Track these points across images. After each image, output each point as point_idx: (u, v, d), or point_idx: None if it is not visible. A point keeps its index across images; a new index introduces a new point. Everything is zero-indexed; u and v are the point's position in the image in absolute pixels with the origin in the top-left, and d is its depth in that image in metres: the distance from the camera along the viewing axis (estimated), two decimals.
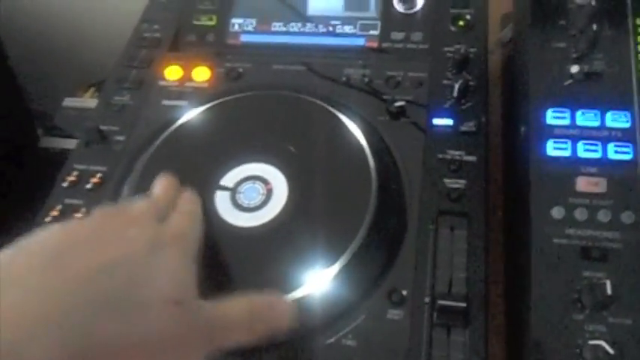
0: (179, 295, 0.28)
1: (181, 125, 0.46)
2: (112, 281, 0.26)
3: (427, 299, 0.37)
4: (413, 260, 0.39)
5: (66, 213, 0.44)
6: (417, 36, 0.52)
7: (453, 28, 0.51)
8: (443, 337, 0.36)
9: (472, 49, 0.48)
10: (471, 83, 0.46)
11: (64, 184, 0.46)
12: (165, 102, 0.50)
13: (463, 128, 0.44)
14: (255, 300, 0.32)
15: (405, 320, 0.37)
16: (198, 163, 0.44)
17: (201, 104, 0.48)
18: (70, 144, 0.75)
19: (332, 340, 0.36)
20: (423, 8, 0.53)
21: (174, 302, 0.27)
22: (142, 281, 0.27)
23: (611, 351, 0.30)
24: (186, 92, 0.50)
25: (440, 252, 0.39)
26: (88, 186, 0.45)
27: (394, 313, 0.37)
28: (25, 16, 0.96)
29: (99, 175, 0.46)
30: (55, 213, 0.44)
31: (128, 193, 0.43)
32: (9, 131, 0.86)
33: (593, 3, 0.39)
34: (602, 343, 0.31)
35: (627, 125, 0.37)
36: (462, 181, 0.42)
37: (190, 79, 0.51)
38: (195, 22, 0.55)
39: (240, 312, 0.31)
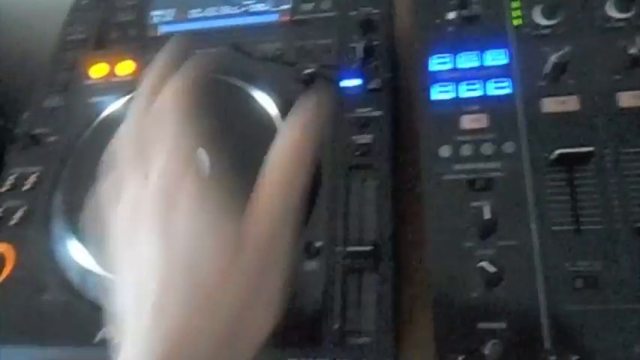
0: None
1: (105, 117, 0.49)
2: None
3: (340, 248, 0.40)
4: (326, 215, 0.41)
5: (8, 216, 0.47)
6: (327, 4, 0.53)
7: None
8: (355, 281, 0.39)
9: (376, 11, 0.50)
10: (376, 43, 0.48)
11: (3, 190, 0.48)
12: (93, 99, 0.52)
13: (370, 86, 0.46)
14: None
15: (320, 270, 0.39)
16: None
17: (125, 95, 0.50)
18: None
19: None
20: None
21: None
22: None
23: (493, 269, 0.33)
24: (112, 87, 0.52)
25: (351, 204, 0.42)
26: (26, 187, 0.48)
27: (310, 264, 0.40)
28: None
29: (35, 175, 0.48)
30: None
31: (66, 186, 0.46)
32: None
33: None
34: (485, 263, 0.33)
35: (505, 62, 0.39)
36: (369, 136, 0.44)
37: (115, 75, 0.53)
38: (116, 20, 0.57)
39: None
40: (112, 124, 0.48)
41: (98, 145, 0.47)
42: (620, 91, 0.37)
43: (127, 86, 0.52)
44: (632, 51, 0.36)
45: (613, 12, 0.39)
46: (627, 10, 0.38)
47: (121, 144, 0.33)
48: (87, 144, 0.48)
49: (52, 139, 0.50)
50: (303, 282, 0.39)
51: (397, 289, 0.38)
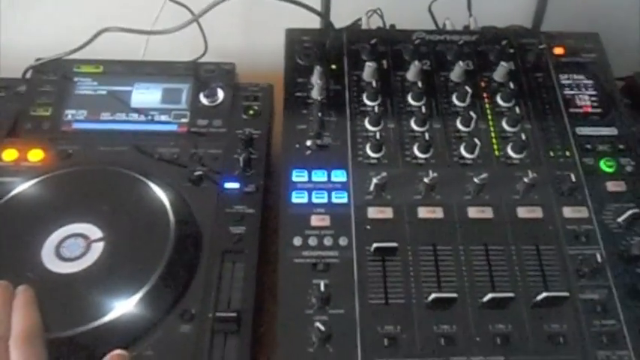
0: None
1: (13, 195, 0.56)
2: None
3: (210, 315, 0.49)
4: (202, 288, 0.51)
5: None
6: (218, 122, 0.67)
7: (244, 116, 0.67)
8: (221, 342, 0.48)
9: (257, 132, 0.64)
10: (254, 157, 0.62)
11: None
12: (2, 179, 0.59)
13: (246, 189, 0.59)
14: None
15: (193, 333, 0.48)
16: (30, 225, 0.53)
17: (33, 179, 0.58)
18: None
19: (135, 352, 0.47)
20: (222, 101, 0.68)
21: None
22: None
23: (322, 328, 0.45)
24: (20, 171, 0.60)
25: (223, 280, 0.52)
26: None
27: (185, 328, 0.49)
28: None
29: None
30: None
31: None
32: None
33: (321, 99, 0.58)
34: (318, 323, 0.45)
35: (344, 179, 0.54)
36: (243, 228, 0.56)
37: (25, 160, 0.61)
38: (32, 113, 0.66)
39: None
40: (19, 202, 0.56)
41: (3, 219, 0.54)
42: (419, 206, 0.53)
43: (35, 171, 0.60)
44: (426, 180, 0.52)
45: (417, 152, 0.56)
46: (426, 152, 0.56)
47: None
48: None
49: None
50: (178, 342, 0.48)
51: (256, 345, 0.48)
